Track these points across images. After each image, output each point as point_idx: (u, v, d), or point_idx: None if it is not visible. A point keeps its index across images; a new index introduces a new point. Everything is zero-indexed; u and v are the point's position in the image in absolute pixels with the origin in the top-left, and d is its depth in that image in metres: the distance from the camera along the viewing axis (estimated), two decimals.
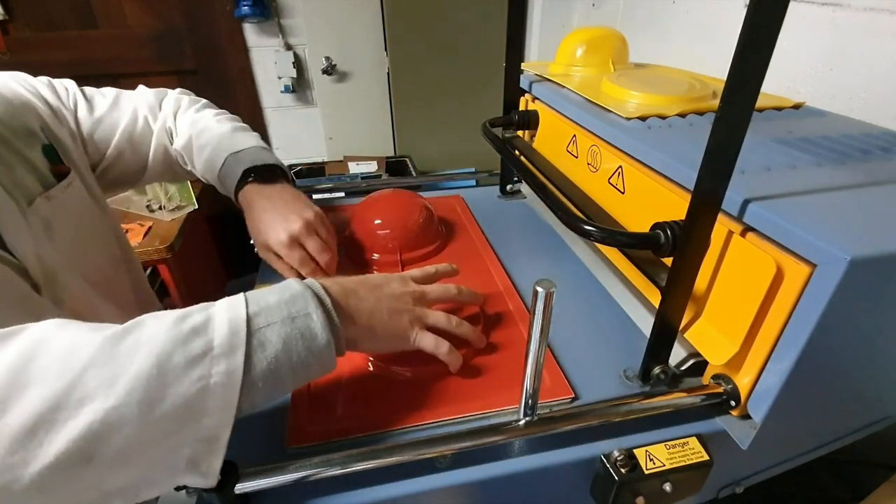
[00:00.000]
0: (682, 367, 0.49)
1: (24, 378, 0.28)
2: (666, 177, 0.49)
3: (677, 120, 0.58)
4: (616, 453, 0.42)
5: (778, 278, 0.39)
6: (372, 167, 1.89)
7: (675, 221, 0.42)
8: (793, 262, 0.37)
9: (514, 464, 0.42)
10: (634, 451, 0.42)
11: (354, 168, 1.90)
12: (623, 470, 0.41)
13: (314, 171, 1.95)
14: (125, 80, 1.86)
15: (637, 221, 0.54)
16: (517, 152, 0.76)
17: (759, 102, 0.45)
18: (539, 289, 0.33)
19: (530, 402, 0.40)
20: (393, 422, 0.44)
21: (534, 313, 0.34)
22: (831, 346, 0.39)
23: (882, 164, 0.48)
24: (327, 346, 0.38)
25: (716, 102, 0.51)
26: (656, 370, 0.48)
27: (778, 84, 0.89)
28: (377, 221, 0.70)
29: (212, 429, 0.32)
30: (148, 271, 1.40)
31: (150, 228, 1.42)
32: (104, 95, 0.64)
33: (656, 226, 0.43)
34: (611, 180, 0.59)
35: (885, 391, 0.50)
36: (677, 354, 0.50)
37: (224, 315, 0.35)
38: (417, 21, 1.74)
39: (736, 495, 0.53)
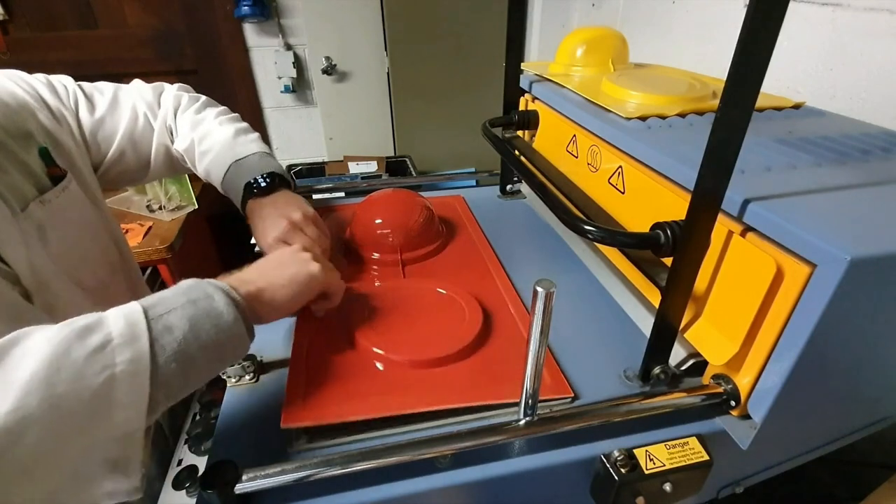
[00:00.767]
0: (682, 367, 0.49)
1: None
2: (666, 177, 0.49)
3: (677, 120, 0.58)
4: (616, 453, 0.42)
5: (778, 278, 0.39)
6: (372, 167, 1.89)
7: (675, 221, 0.42)
8: (793, 262, 0.37)
9: (514, 464, 0.42)
10: (634, 451, 0.42)
11: (354, 168, 1.90)
12: (623, 470, 0.41)
13: (314, 171, 1.94)
14: (125, 80, 1.85)
15: (637, 221, 0.54)
16: (517, 152, 0.76)
17: (759, 102, 0.45)
18: (539, 289, 0.33)
19: (530, 402, 0.40)
20: (390, 407, 0.44)
21: (534, 313, 0.34)
22: (831, 346, 0.39)
23: (882, 164, 0.48)
24: (235, 322, 0.38)
25: (716, 102, 0.51)
26: (656, 370, 0.48)
27: (778, 84, 0.89)
28: (378, 221, 0.70)
29: (125, 423, 0.31)
30: (148, 271, 1.40)
31: (150, 228, 1.42)
32: (102, 92, 0.64)
33: (656, 226, 0.43)
34: (611, 180, 0.59)
35: (885, 391, 0.50)
36: (677, 354, 0.50)
37: (116, 312, 0.34)
38: (417, 21, 1.74)
39: (736, 495, 0.53)
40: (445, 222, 0.78)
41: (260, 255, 0.61)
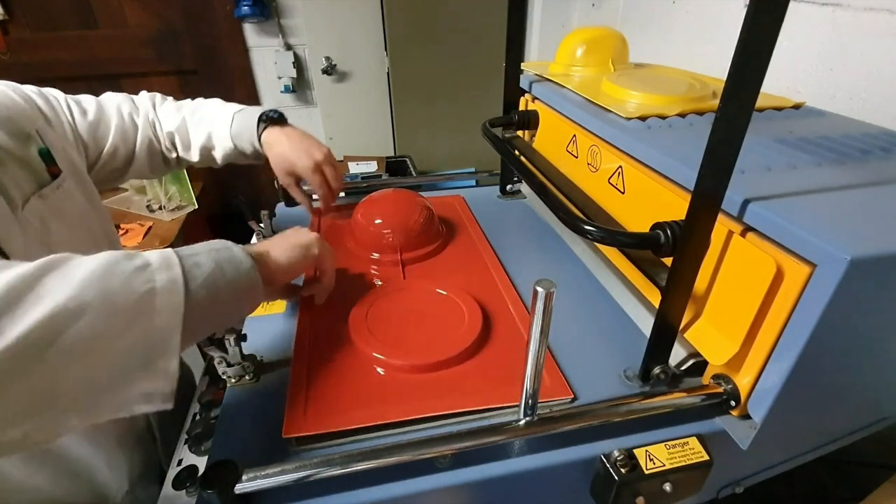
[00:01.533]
0: (682, 367, 0.49)
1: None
2: (666, 177, 0.49)
3: (677, 120, 0.58)
4: (616, 453, 0.42)
5: (778, 278, 0.39)
6: (372, 167, 1.89)
7: (675, 221, 0.42)
8: (793, 262, 0.37)
9: (514, 464, 0.42)
10: (634, 451, 0.42)
11: (354, 168, 1.89)
12: (623, 470, 0.41)
13: None
14: (125, 80, 1.86)
15: (637, 221, 0.54)
16: (517, 152, 0.76)
17: (759, 102, 0.45)
18: (539, 289, 0.33)
19: (530, 402, 0.40)
20: (391, 414, 0.44)
21: (534, 313, 0.34)
22: (831, 346, 0.39)
23: (882, 164, 0.48)
24: (252, 269, 0.42)
25: (716, 102, 0.51)
26: (656, 370, 0.48)
27: (778, 84, 0.89)
28: (378, 221, 0.70)
29: (163, 329, 0.34)
30: None
31: (150, 228, 1.42)
32: (88, 100, 0.67)
33: (656, 226, 0.43)
34: (611, 180, 0.59)
35: (885, 391, 0.50)
36: (677, 354, 0.50)
37: (150, 251, 0.38)
38: (417, 21, 1.74)
39: (736, 495, 0.53)
40: (445, 222, 0.78)
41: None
